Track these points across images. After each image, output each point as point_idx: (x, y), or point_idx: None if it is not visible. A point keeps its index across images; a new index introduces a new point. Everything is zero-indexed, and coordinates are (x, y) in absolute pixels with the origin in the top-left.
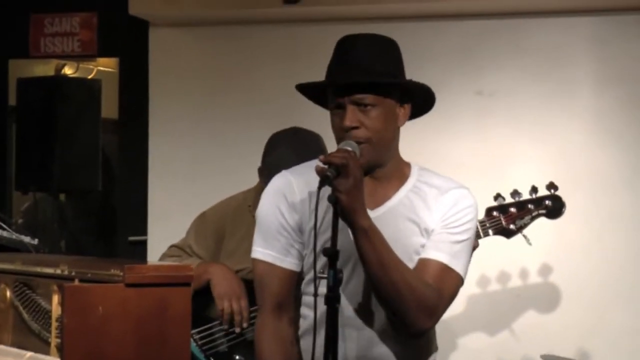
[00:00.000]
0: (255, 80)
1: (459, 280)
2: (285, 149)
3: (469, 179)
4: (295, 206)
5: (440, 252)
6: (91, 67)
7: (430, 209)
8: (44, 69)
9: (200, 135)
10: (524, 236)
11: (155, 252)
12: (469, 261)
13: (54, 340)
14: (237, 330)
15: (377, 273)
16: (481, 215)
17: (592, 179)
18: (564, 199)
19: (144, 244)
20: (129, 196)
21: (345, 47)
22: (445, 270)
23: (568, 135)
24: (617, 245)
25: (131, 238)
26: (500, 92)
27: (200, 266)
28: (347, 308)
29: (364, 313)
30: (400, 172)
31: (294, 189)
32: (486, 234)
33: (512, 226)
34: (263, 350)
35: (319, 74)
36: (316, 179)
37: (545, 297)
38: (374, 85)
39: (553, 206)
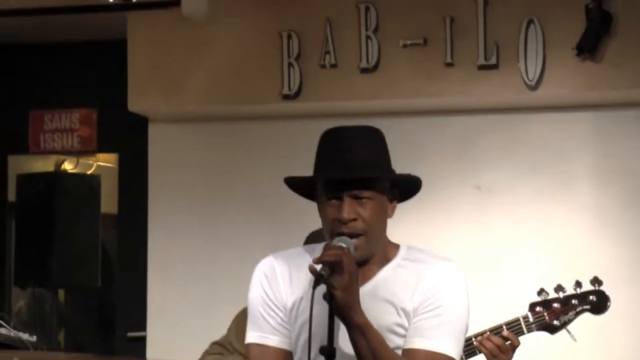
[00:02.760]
0: (255, 175)
1: None
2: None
3: (467, 273)
4: (278, 287)
5: (425, 338)
6: (91, 162)
7: (410, 288)
8: (43, 164)
9: (200, 230)
10: (569, 332)
11: (154, 348)
12: (460, 338)
13: None
14: None
15: None
16: (524, 310)
17: (592, 274)
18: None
19: (143, 340)
20: (128, 292)
21: (334, 140)
22: (434, 357)
23: (567, 230)
24: (619, 342)
25: (130, 334)
26: (498, 186)
27: None
28: None
29: None
30: (384, 255)
31: (276, 272)
32: (530, 330)
33: (556, 322)
34: None
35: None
36: (298, 262)
37: None
38: (372, 179)
39: (598, 301)
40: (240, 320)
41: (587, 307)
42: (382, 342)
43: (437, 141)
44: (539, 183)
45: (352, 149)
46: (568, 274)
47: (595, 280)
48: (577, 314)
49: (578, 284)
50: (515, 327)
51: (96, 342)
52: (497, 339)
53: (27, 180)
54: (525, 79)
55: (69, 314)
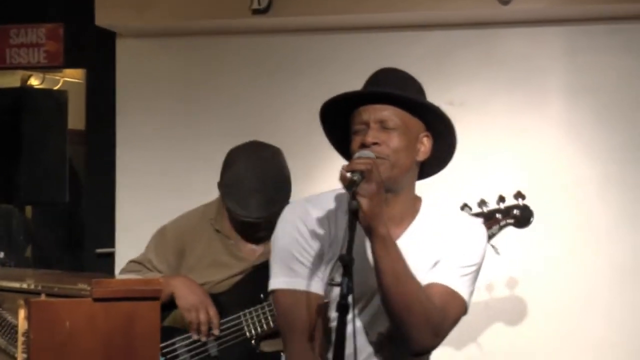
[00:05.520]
0: (224, 91)
1: (463, 307)
2: (242, 165)
3: (438, 189)
4: (315, 234)
5: (446, 276)
6: (57, 78)
7: (440, 243)
8: (9, 80)
9: (168, 146)
10: (493, 246)
11: (123, 265)
12: (473, 291)
13: (20, 356)
14: (205, 339)
15: (390, 283)
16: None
17: (563, 189)
18: (535, 208)
19: (111, 256)
20: (96, 208)
21: (377, 74)
22: (451, 294)
23: (539, 145)
24: (589, 255)
25: (98, 250)
26: (471, 102)
27: (162, 279)
28: (359, 338)
29: (375, 346)
30: (411, 208)
31: (312, 217)
32: None
33: None
34: None
35: (287, 84)
36: (334, 207)
37: (515, 310)
38: (401, 106)
39: (521, 215)
40: (159, 239)
41: (511, 221)
42: (403, 259)
43: (409, 56)
44: (512, 98)
45: (391, 80)
46: (541, 188)
47: (519, 195)
48: (501, 227)
49: (501, 199)
50: None
51: (64, 259)
52: None
53: None
54: None
55: (37, 230)
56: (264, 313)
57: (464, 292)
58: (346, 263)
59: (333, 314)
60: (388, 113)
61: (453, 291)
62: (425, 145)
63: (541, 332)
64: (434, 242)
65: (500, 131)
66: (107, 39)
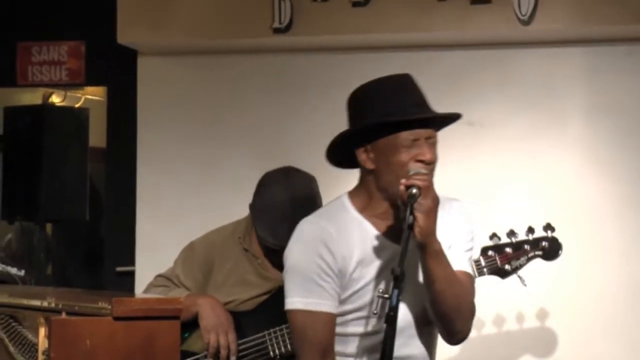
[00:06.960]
0: (245, 109)
1: (474, 282)
2: (275, 191)
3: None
4: (336, 252)
5: (461, 262)
6: (79, 95)
7: (445, 229)
8: (31, 97)
9: (189, 164)
10: (519, 277)
11: (143, 283)
12: None
13: None
14: None
15: (444, 288)
16: (476, 254)
17: (582, 210)
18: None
19: (131, 274)
20: (116, 226)
21: (399, 85)
22: (469, 278)
23: (558, 166)
24: (607, 277)
25: (119, 268)
26: (490, 122)
27: (188, 298)
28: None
29: (404, 340)
30: None
31: (332, 234)
32: (481, 274)
33: (507, 267)
34: None
35: (308, 103)
36: (344, 224)
37: (537, 333)
38: (438, 125)
39: (550, 248)
40: (188, 254)
41: (539, 252)
42: (450, 264)
43: (429, 76)
44: (531, 118)
45: (416, 93)
46: (558, 209)
47: (548, 227)
48: (529, 259)
49: (530, 230)
50: None
51: (84, 276)
52: None
53: (15, 113)
54: (518, 13)
55: (57, 248)
56: (288, 333)
57: (471, 270)
58: (398, 276)
59: (371, 324)
60: (432, 130)
61: (469, 274)
62: None
63: (562, 354)
64: (441, 230)
65: (519, 152)
66: (129, 56)
